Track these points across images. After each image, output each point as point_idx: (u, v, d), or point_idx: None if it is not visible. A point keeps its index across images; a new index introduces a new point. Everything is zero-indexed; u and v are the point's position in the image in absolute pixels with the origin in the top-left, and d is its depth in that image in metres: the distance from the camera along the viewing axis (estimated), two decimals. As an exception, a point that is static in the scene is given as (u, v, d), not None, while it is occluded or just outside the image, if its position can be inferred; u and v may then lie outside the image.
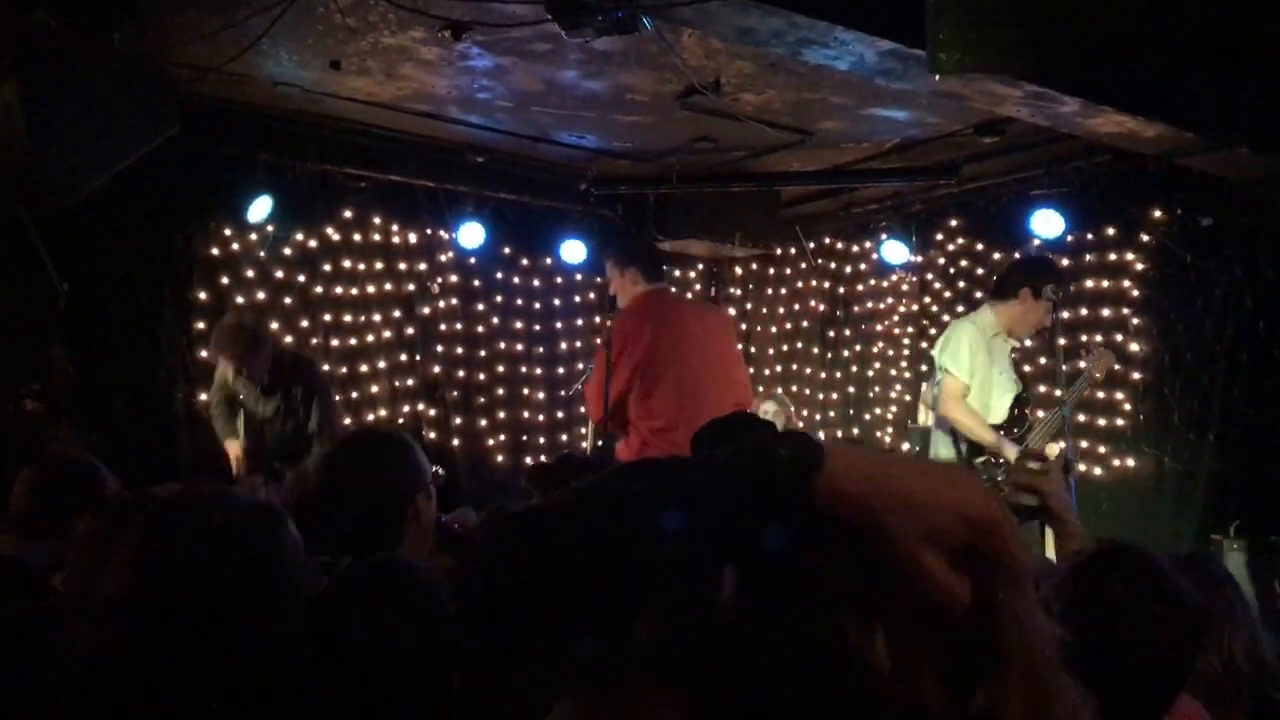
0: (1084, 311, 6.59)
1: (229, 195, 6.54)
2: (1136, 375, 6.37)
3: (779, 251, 8.41)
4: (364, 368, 7.31)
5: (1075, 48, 2.59)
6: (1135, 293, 6.43)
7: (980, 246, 7.29)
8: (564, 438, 8.07)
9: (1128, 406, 6.41)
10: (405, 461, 2.53)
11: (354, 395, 7.25)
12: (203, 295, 6.73)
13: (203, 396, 6.64)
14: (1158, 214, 6.24)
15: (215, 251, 6.78)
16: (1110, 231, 6.50)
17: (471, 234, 7.28)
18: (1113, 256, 6.52)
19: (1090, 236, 6.59)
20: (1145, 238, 6.34)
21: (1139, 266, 6.40)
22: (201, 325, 6.69)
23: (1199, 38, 2.73)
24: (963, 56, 2.56)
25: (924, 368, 7.58)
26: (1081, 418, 6.50)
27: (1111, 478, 6.39)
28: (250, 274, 6.84)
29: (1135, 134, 5.25)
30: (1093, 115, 5.01)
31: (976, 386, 5.09)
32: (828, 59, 4.33)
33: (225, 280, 6.78)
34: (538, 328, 8.05)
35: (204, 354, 6.66)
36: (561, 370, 8.07)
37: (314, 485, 2.74)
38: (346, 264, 7.27)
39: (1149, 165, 5.78)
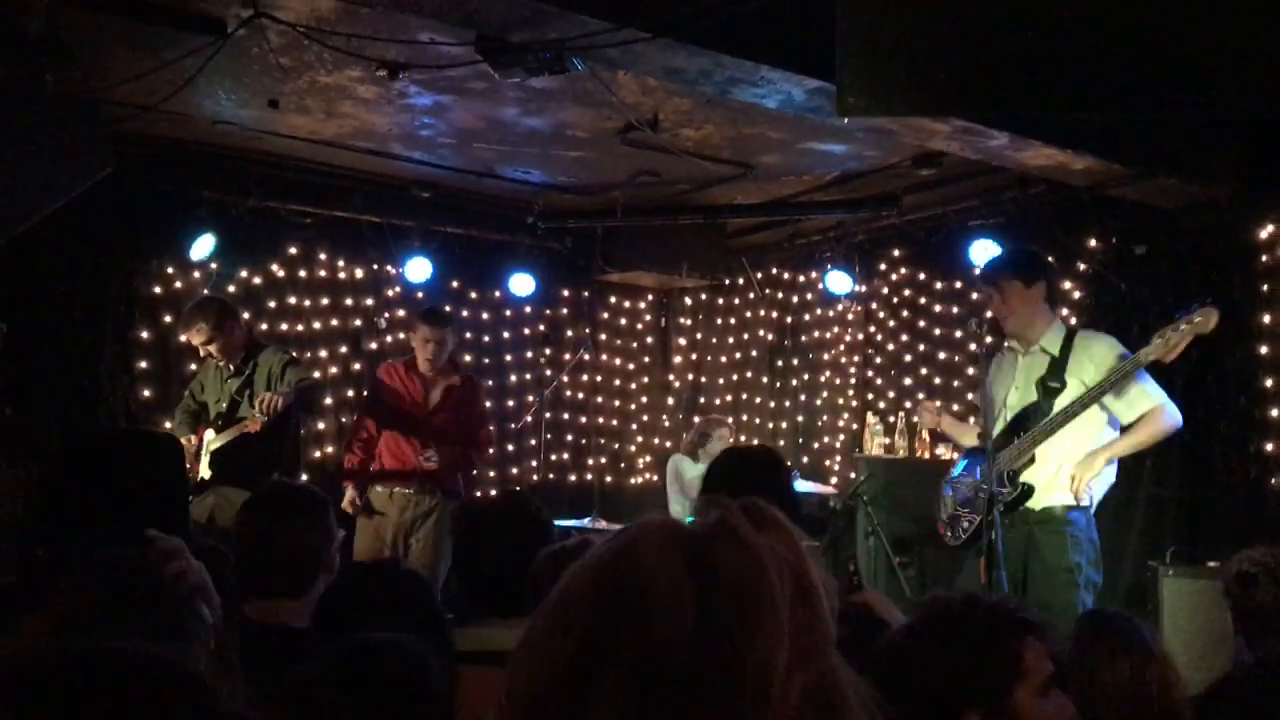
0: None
1: (171, 233, 6.51)
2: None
3: (727, 282, 8.47)
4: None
5: (982, 89, 2.65)
6: (1073, 320, 6.51)
7: (922, 276, 7.38)
8: (514, 471, 8.06)
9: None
10: (325, 516, 2.75)
11: (301, 433, 7.19)
12: (144, 334, 6.68)
13: (145, 436, 6.60)
14: (1093, 243, 6.34)
15: (157, 290, 6.75)
16: (1048, 260, 6.58)
17: (418, 268, 7.28)
18: (1050, 285, 6.61)
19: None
20: (1081, 266, 6.44)
21: (1076, 295, 6.49)
22: (144, 364, 6.65)
23: (1107, 82, 2.79)
24: (870, 99, 2.61)
25: (870, 397, 7.65)
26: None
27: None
28: (170, 320, 6.78)
29: (1065, 166, 5.37)
30: (1022, 148, 5.12)
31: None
32: (756, 97, 4.39)
33: (168, 319, 6.74)
34: (486, 361, 8.05)
35: (146, 393, 6.62)
36: (511, 403, 8.07)
37: (236, 531, 2.78)
38: (292, 300, 7.25)
39: (1082, 195, 5.88)
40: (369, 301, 7.57)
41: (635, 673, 0.86)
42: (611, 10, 3.74)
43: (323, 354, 7.33)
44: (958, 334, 7.16)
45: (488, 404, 8.02)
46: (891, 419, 7.18)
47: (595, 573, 0.92)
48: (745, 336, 8.51)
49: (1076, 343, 4.55)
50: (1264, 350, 5.63)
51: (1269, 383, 5.61)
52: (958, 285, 7.14)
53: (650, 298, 8.86)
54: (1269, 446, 5.57)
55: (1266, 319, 5.61)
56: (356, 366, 7.50)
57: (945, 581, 5.57)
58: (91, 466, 2.14)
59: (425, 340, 5.91)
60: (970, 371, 7.06)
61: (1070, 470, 4.32)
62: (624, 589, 0.89)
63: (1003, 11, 2.50)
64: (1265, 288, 5.64)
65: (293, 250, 7.21)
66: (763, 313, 8.39)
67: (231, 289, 6.96)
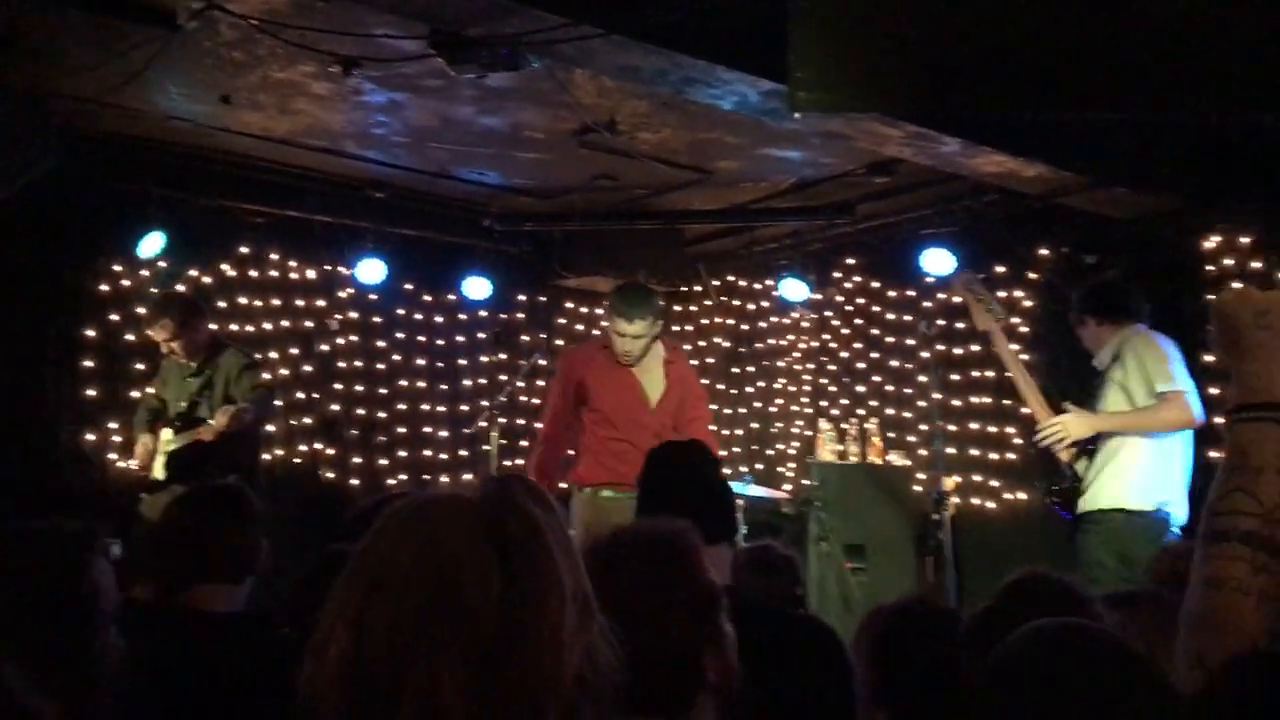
0: (975, 348, 6.73)
1: (119, 230, 6.39)
2: (1026, 410, 6.50)
3: (685, 289, 8.47)
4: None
5: (932, 88, 2.66)
6: (1024, 329, 6.58)
7: (876, 284, 7.42)
8: (467, 477, 8.00)
9: (1018, 441, 6.54)
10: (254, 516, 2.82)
11: (260, 434, 7.09)
12: (90, 332, 6.57)
13: (90, 436, 6.48)
14: (1044, 252, 6.41)
15: (104, 288, 6.63)
16: (999, 269, 6.66)
17: (371, 270, 7.20)
18: (1002, 294, 6.66)
19: (980, 274, 6.72)
20: (1032, 275, 6.51)
21: (1027, 304, 6.56)
22: (90, 363, 6.53)
23: (1053, 84, 2.82)
24: (822, 95, 2.62)
25: (824, 404, 7.68)
26: (973, 452, 6.63)
27: (1003, 511, 6.51)
28: (141, 311, 6.67)
29: (1016, 173, 5.42)
30: (974, 155, 5.16)
31: None
32: (712, 98, 4.40)
33: (115, 317, 6.63)
34: (440, 364, 7.98)
35: (91, 393, 6.51)
36: (465, 407, 8.01)
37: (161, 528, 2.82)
38: (242, 300, 7.16)
39: (1034, 204, 5.94)
40: (321, 303, 7.48)
41: (463, 639, 0.95)
42: (568, 7, 3.73)
43: (273, 355, 7.23)
44: (910, 341, 7.21)
45: (440, 408, 7.99)
46: (845, 425, 7.20)
47: (409, 548, 1.01)
48: (702, 343, 8.51)
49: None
50: (1210, 359, 5.70)
51: (1214, 391, 5.67)
52: (911, 293, 7.19)
53: (608, 303, 8.82)
54: (1214, 454, 5.64)
55: (1213, 328, 5.67)
56: (308, 368, 7.41)
57: (897, 585, 5.59)
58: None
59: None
60: (922, 379, 7.11)
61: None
62: (441, 571, 0.98)
63: (953, 12, 2.51)
64: (1211, 298, 5.70)
65: (244, 250, 7.12)
66: (719, 320, 8.40)
67: (180, 288, 6.84)
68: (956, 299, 5.46)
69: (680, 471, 2.85)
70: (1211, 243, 5.70)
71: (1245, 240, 5.58)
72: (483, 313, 8.10)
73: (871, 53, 2.55)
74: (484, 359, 8.17)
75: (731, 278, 8.30)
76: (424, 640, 0.95)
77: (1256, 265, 5.54)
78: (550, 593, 0.99)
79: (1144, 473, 4.70)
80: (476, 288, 7.71)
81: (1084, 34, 2.59)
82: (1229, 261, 5.65)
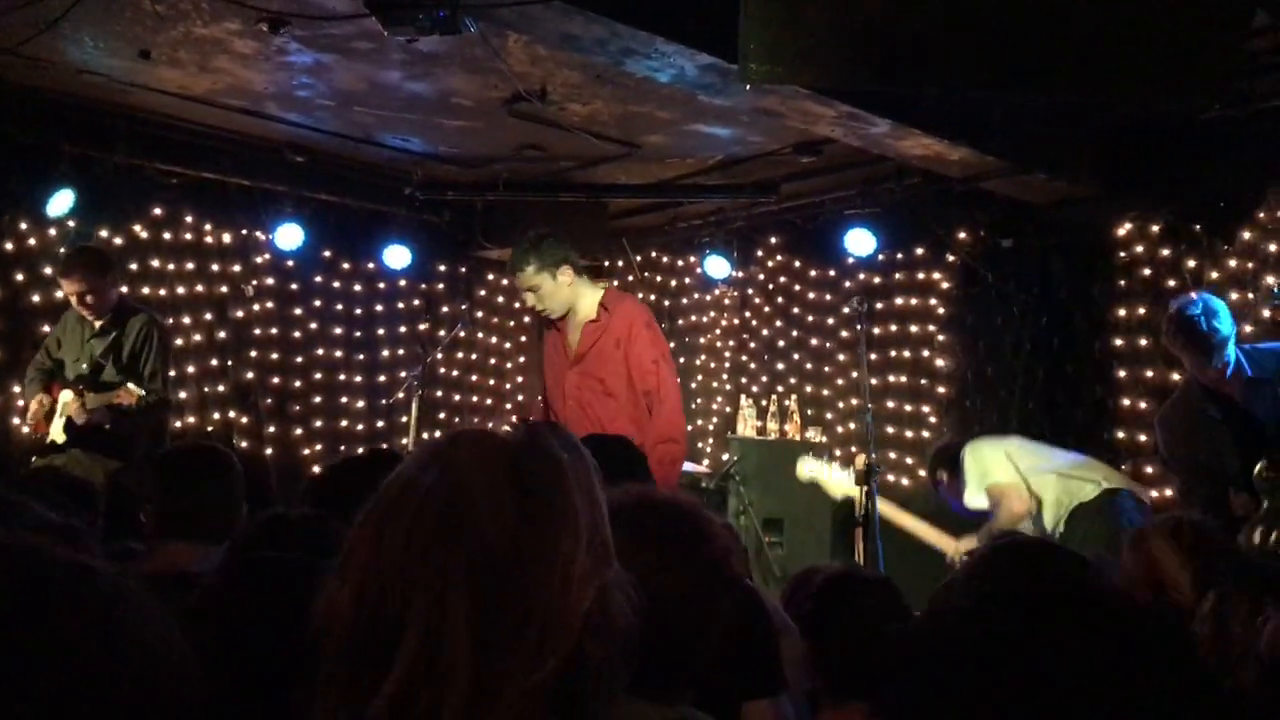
0: (894, 328, 6.87)
1: (27, 187, 6.16)
2: (941, 389, 6.67)
3: (607, 263, 8.46)
4: (171, 372, 6.98)
5: (883, 63, 2.70)
6: (941, 310, 6.73)
7: (798, 263, 7.52)
8: (384, 447, 7.89)
9: (933, 420, 6.69)
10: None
11: (169, 406, 6.91)
12: (-6, 292, 6.32)
13: (-8, 398, 6.26)
14: (963, 235, 6.55)
15: (9, 246, 6.38)
16: (919, 251, 6.79)
17: (289, 235, 7.06)
18: (921, 275, 6.81)
19: (900, 256, 6.87)
20: (951, 258, 6.65)
21: (945, 285, 6.70)
22: (-8, 324, 6.29)
23: (1000, 64, 2.87)
24: (772, 67, 2.64)
25: (744, 380, 7.76)
26: (890, 429, 6.76)
27: (919, 488, 6.65)
28: (48, 271, 6.44)
29: (941, 156, 5.52)
30: (902, 137, 5.24)
31: None
32: (650, 70, 4.39)
33: (20, 277, 6.38)
34: (358, 334, 7.87)
35: (-6, 354, 6.28)
36: (383, 378, 7.91)
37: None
38: (155, 263, 6.95)
39: (955, 187, 6.06)
40: (236, 268, 7.31)
41: (472, 567, 0.98)
42: (509, -29, 3.69)
43: (186, 321, 7.05)
44: (830, 320, 7.32)
45: (358, 378, 7.88)
46: (764, 402, 7.29)
47: (431, 474, 1.05)
48: (622, 318, 8.51)
49: None
50: (1119, 342, 5.91)
51: (1123, 374, 5.88)
52: (832, 273, 7.30)
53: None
54: (1120, 434, 5.85)
55: (1122, 312, 5.88)
56: (222, 335, 7.24)
57: (813, 558, 5.69)
58: None
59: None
60: (841, 358, 7.23)
61: None
62: (458, 496, 1.02)
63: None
64: (1122, 283, 5.91)
65: (157, 211, 6.91)
66: (641, 295, 8.40)
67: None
68: (807, 474, 5.53)
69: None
70: (1123, 229, 5.88)
71: (1155, 228, 5.77)
72: (402, 282, 8.01)
73: (821, 26, 2.58)
74: (403, 329, 8.07)
75: (655, 253, 8.32)
76: (434, 561, 0.98)
77: (1165, 252, 5.73)
78: (565, 531, 1.01)
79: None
80: (396, 256, 7.61)
81: (1026, 17, 2.65)
82: (1139, 248, 5.84)
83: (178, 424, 6.93)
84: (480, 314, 8.55)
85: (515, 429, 1.12)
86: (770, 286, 7.69)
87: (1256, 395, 4.14)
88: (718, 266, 7.49)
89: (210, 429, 7.10)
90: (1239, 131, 5.11)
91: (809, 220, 7.23)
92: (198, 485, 2.72)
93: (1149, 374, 5.77)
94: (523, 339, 8.75)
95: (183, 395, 6.98)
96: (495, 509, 1.01)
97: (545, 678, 0.97)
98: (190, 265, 7.11)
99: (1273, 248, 5.34)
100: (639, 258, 8.30)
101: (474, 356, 8.53)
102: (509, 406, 8.70)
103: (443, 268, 8.27)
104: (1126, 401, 5.86)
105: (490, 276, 8.56)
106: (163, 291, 6.96)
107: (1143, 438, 5.76)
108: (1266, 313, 5.17)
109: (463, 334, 8.05)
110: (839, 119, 4.97)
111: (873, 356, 6.88)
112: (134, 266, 6.83)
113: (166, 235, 6.99)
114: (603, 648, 1.00)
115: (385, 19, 4.05)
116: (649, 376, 4.58)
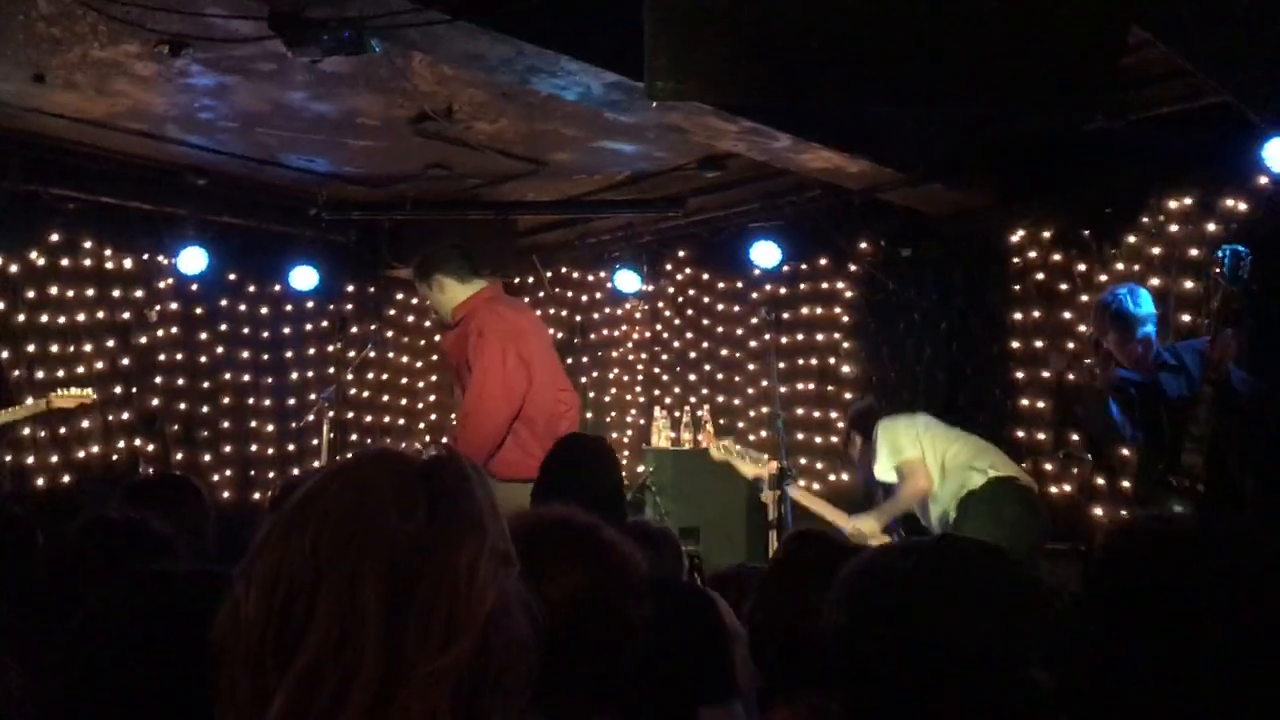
0: (800, 337, 7.02)
1: (-85, 214, 6.00)
2: (848, 395, 6.82)
3: (518, 280, 8.49)
4: (73, 401, 6.84)
5: (783, 80, 2.79)
6: (845, 318, 6.90)
7: (706, 276, 7.64)
8: (295, 471, 7.81)
9: (841, 425, 6.83)
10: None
11: (62, 430, 6.76)
12: (-118, 322, 6.13)
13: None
14: (864, 245, 6.73)
15: (-102, 275, 6.21)
16: (823, 262, 6.96)
17: (193, 259, 6.95)
18: (825, 285, 6.98)
19: (805, 266, 7.03)
20: (853, 267, 6.82)
21: (849, 294, 6.88)
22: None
23: (893, 80, 3.00)
24: (677, 84, 2.72)
25: (657, 392, 7.85)
26: (799, 435, 6.90)
27: (827, 491, 6.78)
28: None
29: (841, 169, 5.68)
30: (803, 150, 5.38)
31: None
32: (556, 88, 4.45)
33: (-91, 306, 6.21)
34: (266, 357, 7.78)
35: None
36: (293, 401, 7.83)
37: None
38: (54, 290, 6.80)
39: (855, 199, 6.23)
40: (139, 293, 7.19)
41: (382, 560, 1.03)
42: (413, -10, 3.72)
43: (88, 348, 6.91)
44: (739, 331, 7.45)
45: (267, 402, 7.78)
46: (678, 413, 7.38)
47: (340, 481, 1.10)
48: (533, 334, 8.54)
49: None
50: (1015, 345, 6.13)
51: (1020, 375, 6.10)
52: (739, 285, 7.44)
53: (437, 295, 8.75)
54: (1020, 433, 6.06)
55: (1018, 316, 6.11)
56: (125, 362, 7.10)
57: (731, 561, 5.77)
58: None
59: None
60: (751, 367, 7.36)
61: None
62: (368, 498, 1.07)
63: (803, 5, 2.65)
64: (1016, 288, 6.14)
65: (55, 237, 6.77)
66: (553, 311, 8.45)
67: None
68: (719, 456, 5.82)
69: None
70: (1016, 236, 6.11)
71: (1046, 235, 6.01)
72: (310, 303, 7.94)
73: (724, 45, 2.67)
74: (312, 351, 8.00)
75: (565, 269, 8.38)
76: (344, 552, 1.02)
77: (1057, 258, 5.98)
78: (470, 533, 1.07)
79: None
80: (303, 278, 7.53)
81: (918, 34, 2.77)
82: (1032, 254, 6.07)
83: (80, 454, 6.78)
84: (390, 333, 8.51)
85: (426, 448, 1.20)
86: (680, 299, 7.80)
87: (1171, 378, 4.42)
88: (627, 281, 7.56)
89: (115, 458, 6.95)
90: (1123, 141, 5.34)
91: (715, 233, 7.35)
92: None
93: (1045, 374, 6.00)
94: (434, 358, 8.72)
95: (85, 424, 6.83)
96: (405, 510, 1.06)
97: (451, 662, 1.01)
98: (90, 291, 6.97)
99: (1157, 250, 5.60)
100: (550, 274, 8.34)
101: (385, 376, 8.48)
102: (421, 426, 8.67)
103: (351, 288, 8.22)
104: (1025, 401, 6.07)
105: (399, 296, 8.53)
106: (63, 319, 6.82)
107: (1041, 436, 5.99)
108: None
109: (373, 354, 8.00)
110: (742, 134, 5.09)
111: (781, 365, 7.02)
112: (31, 294, 6.68)
113: (65, 261, 6.85)
114: (505, 642, 1.05)
115: (289, 40, 4.04)
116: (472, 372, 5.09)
